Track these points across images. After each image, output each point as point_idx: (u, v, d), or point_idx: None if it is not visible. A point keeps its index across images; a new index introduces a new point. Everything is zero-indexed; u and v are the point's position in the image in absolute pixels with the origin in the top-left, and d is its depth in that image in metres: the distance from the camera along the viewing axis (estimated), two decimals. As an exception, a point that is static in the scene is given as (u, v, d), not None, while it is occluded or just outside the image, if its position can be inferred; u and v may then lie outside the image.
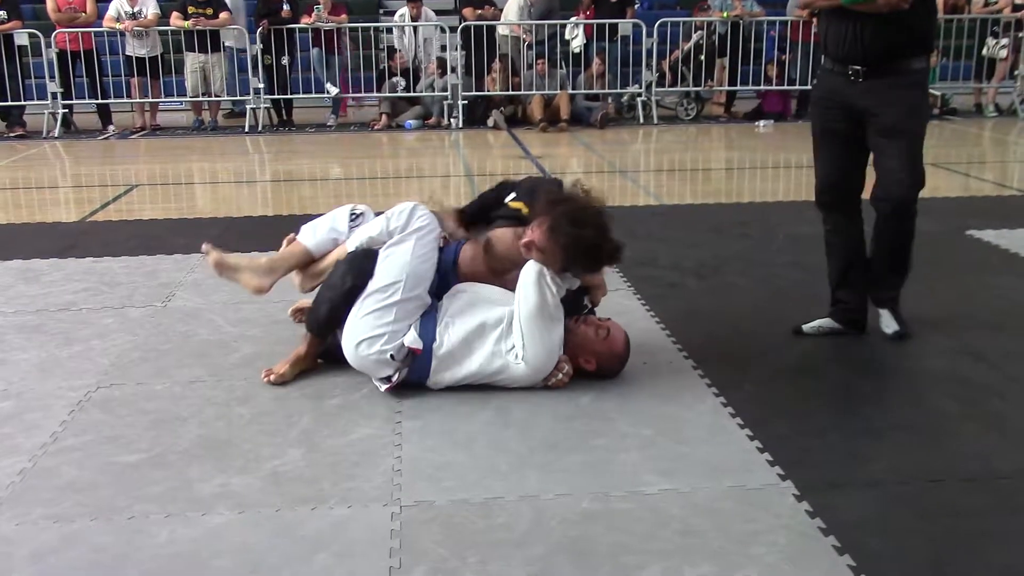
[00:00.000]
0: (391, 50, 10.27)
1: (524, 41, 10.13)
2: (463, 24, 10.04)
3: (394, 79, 10.12)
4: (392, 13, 11.46)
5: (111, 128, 9.95)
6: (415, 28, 10.24)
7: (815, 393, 3.01)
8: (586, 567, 2.06)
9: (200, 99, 10.03)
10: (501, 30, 10.29)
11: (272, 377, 3.04)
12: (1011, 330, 3.51)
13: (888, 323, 3.38)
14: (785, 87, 10.40)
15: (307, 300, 3.28)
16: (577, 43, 10.47)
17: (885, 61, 3.15)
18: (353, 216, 3.15)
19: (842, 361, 3.31)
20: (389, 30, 10.60)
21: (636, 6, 11.49)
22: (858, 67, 3.19)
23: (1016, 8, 10.08)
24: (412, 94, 10.20)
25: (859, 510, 2.28)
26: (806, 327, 3.48)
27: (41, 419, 2.82)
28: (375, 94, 10.38)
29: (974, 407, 2.87)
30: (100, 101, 9.98)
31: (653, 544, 2.14)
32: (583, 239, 2.80)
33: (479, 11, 10.15)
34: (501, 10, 10.44)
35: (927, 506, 2.31)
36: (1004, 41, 10.16)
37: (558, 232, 2.79)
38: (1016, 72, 10.33)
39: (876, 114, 3.18)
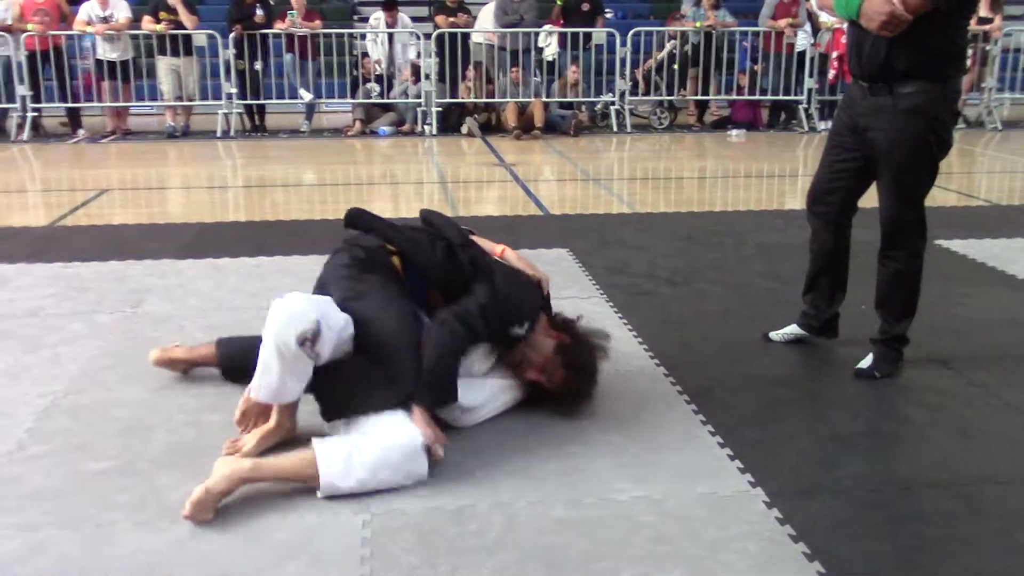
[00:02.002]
0: (363, 55, 10.26)
1: (499, 49, 10.13)
2: (437, 31, 10.04)
3: (368, 85, 10.11)
4: (366, 20, 11.44)
5: (81, 132, 9.85)
6: (390, 35, 10.24)
7: (785, 400, 3.03)
8: (558, 574, 2.06)
9: (175, 103, 9.93)
10: (475, 37, 10.30)
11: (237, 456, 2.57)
12: (976, 339, 3.55)
13: (866, 359, 3.21)
14: (757, 97, 10.50)
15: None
16: (551, 51, 10.51)
17: (881, 79, 2.97)
18: (303, 342, 2.43)
19: (811, 368, 3.34)
20: (363, 36, 10.58)
21: (609, 15, 11.56)
22: (864, 83, 3.05)
23: (981, 21, 10.24)
24: (386, 100, 10.18)
25: (829, 516, 2.30)
26: (773, 334, 3.51)
27: (7, 426, 2.77)
28: (349, 100, 10.36)
29: (940, 414, 2.91)
30: (70, 105, 9.89)
31: (625, 551, 2.14)
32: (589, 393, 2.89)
33: (451, 19, 10.16)
34: (475, 18, 10.45)
35: (895, 512, 2.34)
36: (968, 52, 10.32)
37: (579, 390, 2.84)
38: (983, 84, 10.50)
39: (871, 136, 3.06)
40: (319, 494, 2.35)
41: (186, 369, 3.13)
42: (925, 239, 3.15)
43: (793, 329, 3.50)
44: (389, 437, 2.41)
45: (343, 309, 2.59)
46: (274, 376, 2.49)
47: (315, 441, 2.43)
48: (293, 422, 2.65)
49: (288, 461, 2.41)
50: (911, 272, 3.16)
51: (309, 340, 2.43)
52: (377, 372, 2.53)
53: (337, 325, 2.52)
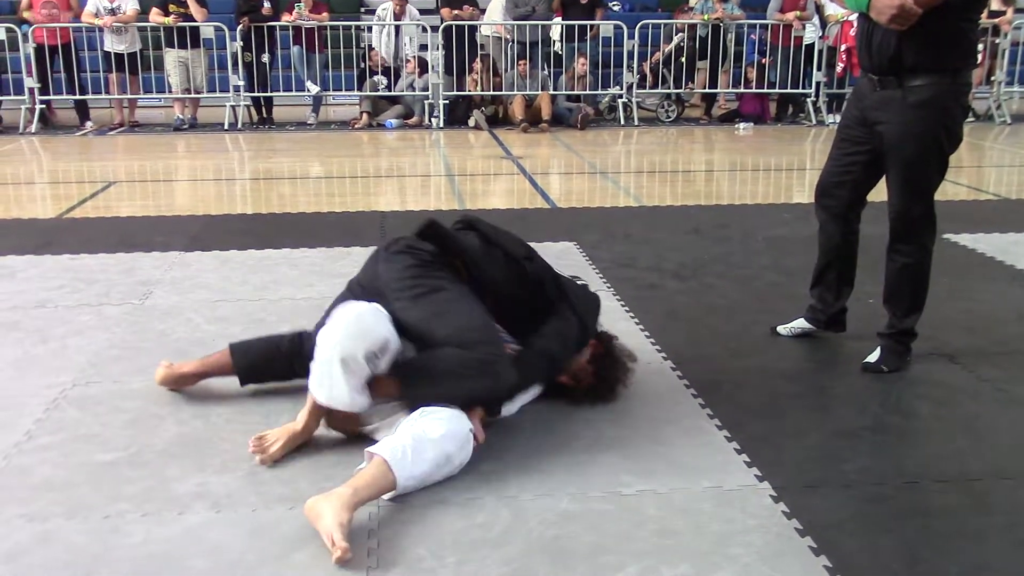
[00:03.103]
0: (370, 48, 10.26)
1: (506, 41, 10.12)
2: (444, 23, 10.03)
3: (375, 78, 10.11)
4: (373, 12, 11.44)
5: (89, 124, 9.88)
6: (397, 26, 10.23)
7: (792, 394, 3.03)
8: (564, 567, 2.06)
9: (183, 96, 9.94)
10: (484, 30, 10.28)
11: (262, 457, 2.55)
12: (984, 333, 3.55)
13: (873, 354, 3.20)
14: (765, 90, 10.47)
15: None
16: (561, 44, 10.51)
17: (891, 73, 2.97)
18: (370, 358, 2.45)
19: (818, 362, 3.34)
20: (370, 29, 10.57)
21: (616, 8, 11.53)
22: (873, 76, 3.04)
23: (992, 14, 10.19)
24: (393, 93, 10.18)
25: (835, 511, 2.30)
26: (781, 328, 3.51)
27: (16, 417, 2.79)
28: (356, 93, 10.36)
29: (947, 408, 2.90)
30: (78, 97, 9.90)
31: (631, 544, 2.14)
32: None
33: (456, 11, 10.15)
34: (483, 10, 10.43)
35: (902, 507, 2.34)
36: (979, 47, 10.27)
37: (606, 392, 2.89)
38: (992, 77, 10.45)
39: (880, 130, 3.05)
40: (386, 496, 2.29)
41: (196, 382, 2.97)
42: (934, 233, 3.13)
43: (800, 323, 3.49)
44: (440, 428, 2.40)
45: (415, 304, 2.57)
46: (342, 387, 2.44)
47: (373, 449, 2.34)
48: (317, 423, 2.63)
49: (364, 480, 2.26)
50: (919, 266, 3.15)
51: (377, 355, 2.44)
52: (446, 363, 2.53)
53: (397, 344, 2.50)
